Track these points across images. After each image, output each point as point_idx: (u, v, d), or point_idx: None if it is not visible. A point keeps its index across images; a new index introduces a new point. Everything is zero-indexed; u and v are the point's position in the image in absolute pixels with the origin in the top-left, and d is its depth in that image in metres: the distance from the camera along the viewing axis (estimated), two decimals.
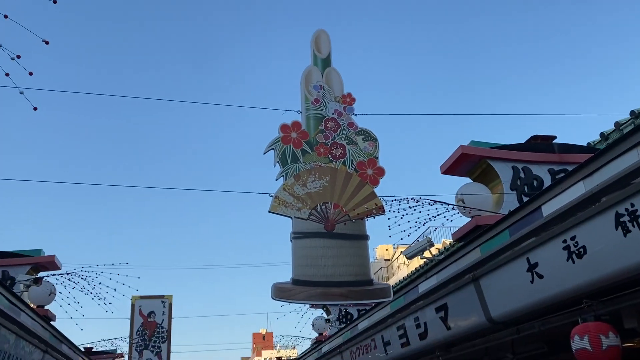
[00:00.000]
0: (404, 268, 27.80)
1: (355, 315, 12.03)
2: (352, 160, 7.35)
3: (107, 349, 16.18)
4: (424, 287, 6.44)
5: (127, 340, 17.27)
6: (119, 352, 16.64)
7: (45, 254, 8.11)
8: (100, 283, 7.51)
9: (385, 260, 40.11)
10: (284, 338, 18.47)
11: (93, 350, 16.85)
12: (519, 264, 4.62)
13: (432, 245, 7.55)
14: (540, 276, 4.37)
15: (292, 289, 6.27)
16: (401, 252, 12.90)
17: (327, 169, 7.09)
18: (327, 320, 11.82)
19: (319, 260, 6.64)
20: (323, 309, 12.37)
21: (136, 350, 17.60)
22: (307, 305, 11.56)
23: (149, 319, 18.15)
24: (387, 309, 7.62)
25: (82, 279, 7.49)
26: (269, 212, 6.74)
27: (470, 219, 6.88)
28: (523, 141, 7.96)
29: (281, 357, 21.92)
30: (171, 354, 18.07)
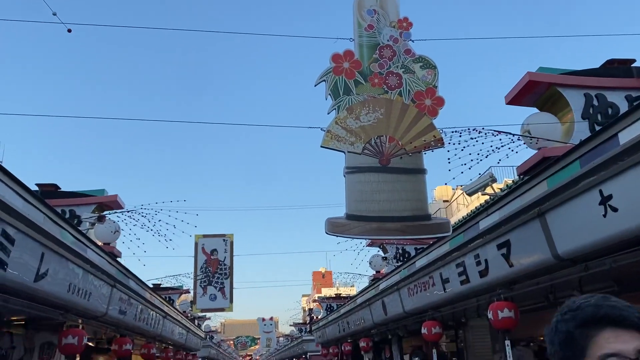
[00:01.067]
0: (464, 209, 27.28)
1: (413, 254, 11.91)
2: (408, 90, 6.94)
3: (173, 285, 16.88)
4: (485, 223, 6.18)
5: (192, 276, 18.01)
6: (185, 287, 17.44)
7: (108, 194, 8.36)
8: (160, 220, 7.71)
9: (444, 201, 39.64)
10: (341, 275, 18.75)
11: (161, 286, 17.73)
12: (590, 196, 4.26)
13: (494, 180, 7.19)
14: (615, 209, 4.02)
15: (346, 224, 6.12)
16: (462, 190, 12.49)
17: (381, 100, 6.75)
18: (384, 259, 11.78)
19: (374, 195, 6.42)
20: (379, 246, 12.31)
21: (200, 286, 18.36)
22: (364, 243, 11.53)
23: (211, 257, 18.73)
24: (445, 246, 7.42)
25: (142, 216, 7.72)
26: (321, 146, 6.53)
27: (536, 150, 6.44)
28: (597, 66, 7.32)
29: (340, 294, 22.38)
30: (233, 290, 18.87)
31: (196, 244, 18.57)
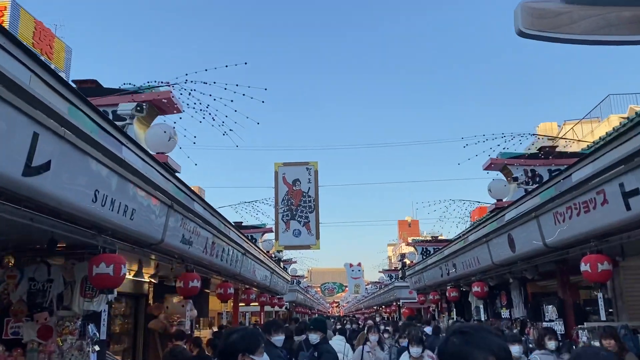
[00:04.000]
0: (574, 145, 23.83)
1: (546, 177, 9.39)
2: None
3: (254, 219, 15.02)
4: None
5: (272, 204, 16.02)
6: (265, 225, 15.77)
7: (160, 90, 6.55)
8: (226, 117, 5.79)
9: (549, 139, 36.31)
10: (430, 223, 16.33)
11: (242, 224, 16.31)
12: None
13: None
14: None
15: (563, 10, 3.55)
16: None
17: None
18: (515, 179, 9.31)
19: None
20: (500, 170, 9.89)
21: (282, 220, 16.58)
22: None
23: (294, 188, 16.83)
24: (632, 144, 4.97)
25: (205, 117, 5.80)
26: None
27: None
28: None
29: (437, 236, 20.17)
30: (320, 225, 16.84)
31: (276, 173, 16.54)
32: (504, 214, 8.52)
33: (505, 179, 9.75)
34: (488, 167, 9.82)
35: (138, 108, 5.45)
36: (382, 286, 35.97)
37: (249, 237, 13.58)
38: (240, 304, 15.24)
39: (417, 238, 20.13)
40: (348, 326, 18.12)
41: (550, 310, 9.02)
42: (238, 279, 11.68)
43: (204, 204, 7.56)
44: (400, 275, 26.12)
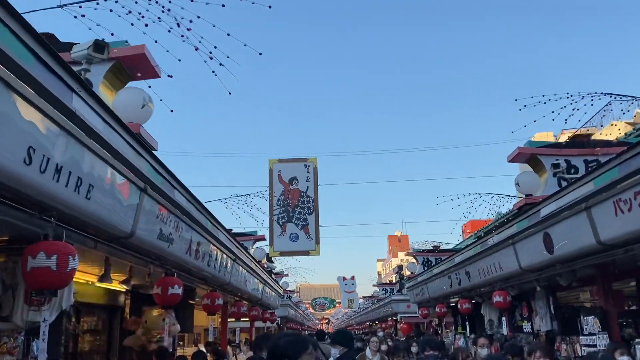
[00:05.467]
0: None
1: (582, 168, 8.22)
2: None
3: (247, 218, 13.48)
4: None
5: (266, 197, 14.49)
6: (260, 234, 14.36)
7: (130, 45, 5.24)
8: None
9: None
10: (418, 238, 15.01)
11: (232, 232, 14.96)
12: None
13: None
14: None
15: None
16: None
17: None
18: (555, 166, 8.07)
19: None
20: (526, 161, 8.71)
21: (278, 223, 15.01)
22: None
23: (290, 186, 15.33)
24: None
25: None
26: None
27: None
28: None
29: (438, 245, 18.95)
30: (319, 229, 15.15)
31: (270, 171, 14.93)
32: (539, 209, 7.31)
33: (533, 171, 8.55)
34: (514, 159, 8.65)
35: (96, 48, 4.16)
36: (376, 300, 34.67)
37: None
38: (229, 319, 13.87)
39: (419, 247, 18.83)
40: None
41: (591, 323, 7.79)
42: (227, 289, 10.35)
43: (188, 194, 6.27)
44: (397, 289, 24.81)
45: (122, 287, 8.94)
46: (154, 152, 5.22)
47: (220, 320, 14.28)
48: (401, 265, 27.30)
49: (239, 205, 11.63)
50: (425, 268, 18.05)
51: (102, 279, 5.58)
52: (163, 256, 5.88)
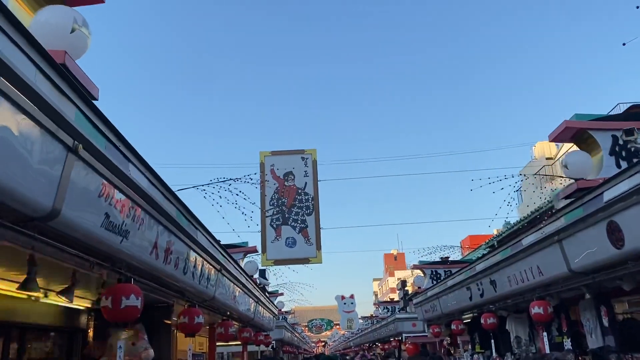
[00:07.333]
0: None
1: None
2: None
3: (233, 211, 10.66)
4: None
5: (258, 200, 12.45)
6: (251, 245, 12.53)
7: None
8: None
9: (547, 159, 34.57)
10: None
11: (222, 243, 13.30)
12: None
13: None
14: None
15: None
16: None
17: None
18: (628, 133, 6.51)
19: None
20: (576, 141, 7.22)
21: (272, 226, 12.86)
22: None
23: (285, 183, 13.26)
24: None
25: None
26: None
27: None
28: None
29: (447, 257, 17.38)
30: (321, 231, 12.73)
31: (262, 165, 12.66)
32: (602, 193, 5.79)
33: (579, 149, 7.06)
34: (557, 137, 7.18)
35: None
36: (376, 320, 32.89)
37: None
38: (217, 343, 12.16)
39: (426, 260, 17.26)
40: None
41: None
42: (213, 306, 8.74)
43: (151, 174, 4.71)
44: (401, 306, 23.12)
45: (83, 305, 7.42)
46: (93, 102, 3.65)
47: (207, 344, 12.59)
48: (405, 280, 25.64)
49: (220, 194, 9.41)
50: (434, 282, 16.51)
51: (24, 286, 3.97)
52: (113, 255, 4.29)
